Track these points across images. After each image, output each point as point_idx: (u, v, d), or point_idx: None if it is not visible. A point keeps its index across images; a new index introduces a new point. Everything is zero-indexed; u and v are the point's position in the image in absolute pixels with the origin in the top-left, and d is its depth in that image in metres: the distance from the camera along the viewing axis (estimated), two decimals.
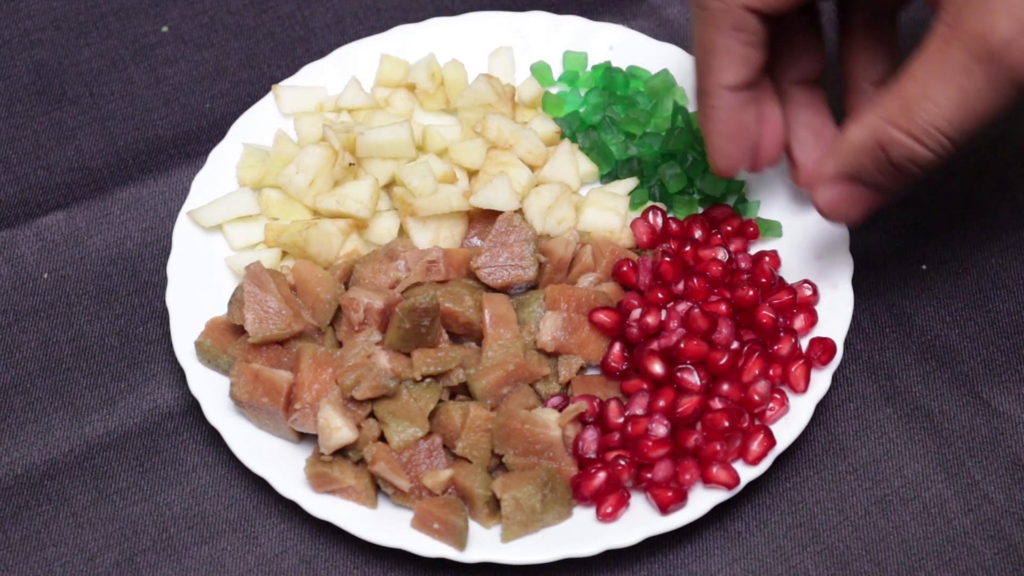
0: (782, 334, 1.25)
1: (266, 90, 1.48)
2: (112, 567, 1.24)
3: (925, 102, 1.10)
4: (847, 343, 1.31)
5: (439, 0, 1.57)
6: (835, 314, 1.28)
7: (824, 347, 1.25)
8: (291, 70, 1.51)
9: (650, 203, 1.37)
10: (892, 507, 1.25)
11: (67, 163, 1.47)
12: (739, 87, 1.22)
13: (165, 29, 1.56)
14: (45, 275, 1.40)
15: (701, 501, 1.19)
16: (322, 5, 1.57)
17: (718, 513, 1.22)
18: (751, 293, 1.25)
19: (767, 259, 1.31)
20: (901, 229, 1.39)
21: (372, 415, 1.22)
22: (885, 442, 1.28)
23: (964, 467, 1.26)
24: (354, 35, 1.54)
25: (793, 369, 1.23)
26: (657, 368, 1.23)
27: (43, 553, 1.25)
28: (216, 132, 1.45)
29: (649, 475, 1.20)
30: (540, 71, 1.45)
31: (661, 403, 1.21)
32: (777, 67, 1.28)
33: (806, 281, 1.29)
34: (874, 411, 1.29)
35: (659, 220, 1.34)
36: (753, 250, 1.34)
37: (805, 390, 1.23)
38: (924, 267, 1.37)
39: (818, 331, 1.27)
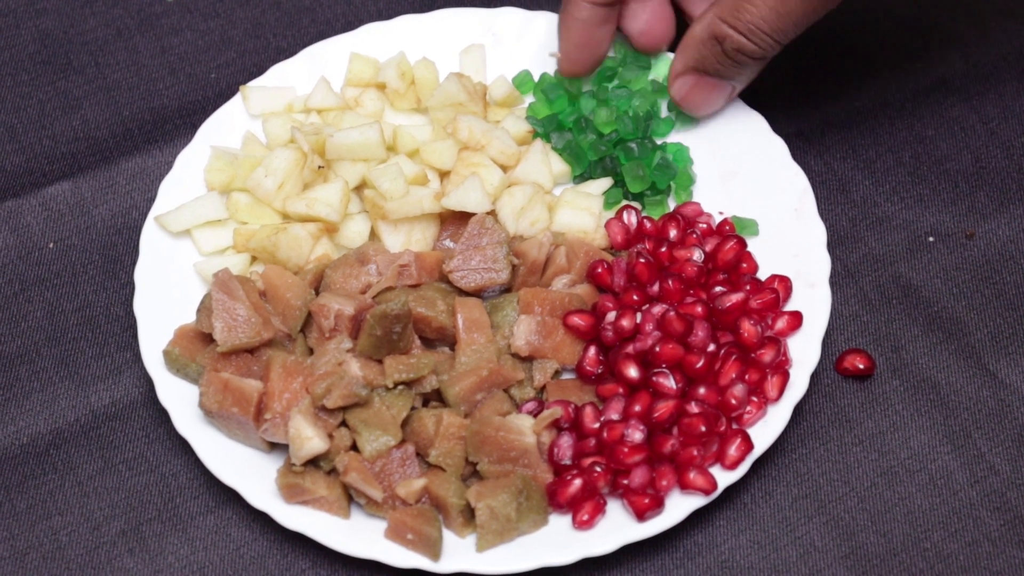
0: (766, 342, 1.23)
1: (272, 60, 1.47)
2: (118, 536, 1.24)
3: (748, 4, 1.26)
4: (854, 315, 1.31)
5: None
6: (813, 313, 1.25)
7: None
8: (296, 40, 1.50)
9: (624, 202, 1.35)
10: (898, 479, 1.24)
11: (72, 133, 1.47)
12: (600, 3, 1.34)
13: None
14: (51, 245, 1.39)
15: (678, 507, 1.18)
16: None
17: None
18: (730, 304, 1.23)
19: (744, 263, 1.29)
20: (908, 201, 1.39)
21: (344, 424, 1.20)
22: (891, 414, 1.28)
23: (970, 439, 1.26)
24: (359, 5, 1.53)
25: (770, 378, 1.22)
26: (632, 372, 1.21)
27: (49, 522, 1.25)
28: (222, 103, 1.44)
29: (625, 481, 1.18)
30: (522, 80, 1.41)
31: (637, 408, 1.19)
32: None
33: (782, 278, 1.26)
34: (880, 383, 1.29)
35: (633, 220, 1.31)
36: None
37: (778, 399, 1.22)
38: (931, 239, 1.36)
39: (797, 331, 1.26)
